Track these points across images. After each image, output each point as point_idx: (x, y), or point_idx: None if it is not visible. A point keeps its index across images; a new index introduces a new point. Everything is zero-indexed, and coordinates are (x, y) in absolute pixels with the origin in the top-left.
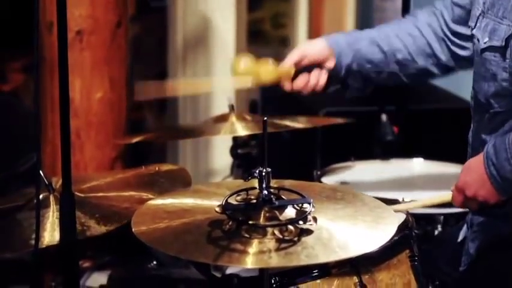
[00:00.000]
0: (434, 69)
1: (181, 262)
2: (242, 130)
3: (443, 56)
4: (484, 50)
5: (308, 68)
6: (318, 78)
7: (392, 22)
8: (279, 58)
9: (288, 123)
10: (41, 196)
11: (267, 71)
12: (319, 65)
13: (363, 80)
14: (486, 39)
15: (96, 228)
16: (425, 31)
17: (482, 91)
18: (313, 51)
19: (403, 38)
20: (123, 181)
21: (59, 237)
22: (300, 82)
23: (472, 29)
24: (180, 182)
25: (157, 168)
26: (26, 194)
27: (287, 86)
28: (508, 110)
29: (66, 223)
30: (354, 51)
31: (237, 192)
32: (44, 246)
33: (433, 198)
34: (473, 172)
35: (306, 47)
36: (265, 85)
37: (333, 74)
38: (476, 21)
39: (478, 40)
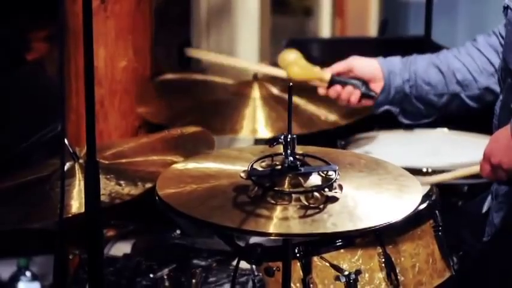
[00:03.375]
0: (498, 88)
1: (204, 231)
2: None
3: None
4: None
5: (343, 82)
6: (350, 96)
7: (451, 48)
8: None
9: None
10: (66, 165)
11: (300, 70)
12: (360, 82)
13: (423, 104)
14: None
15: (122, 194)
16: (485, 50)
17: None
18: (361, 68)
19: (462, 58)
20: (148, 146)
21: (84, 205)
22: (332, 93)
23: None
24: (203, 144)
25: (180, 132)
26: (52, 164)
27: (321, 90)
28: None
29: (91, 192)
30: (409, 73)
31: (263, 158)
32: (71, 215)
33: (462, 170)
34: (499, 141)
35: (355, 61)
36: (298, 81)
37: (381, 95)
38: None
39: (510, 9)
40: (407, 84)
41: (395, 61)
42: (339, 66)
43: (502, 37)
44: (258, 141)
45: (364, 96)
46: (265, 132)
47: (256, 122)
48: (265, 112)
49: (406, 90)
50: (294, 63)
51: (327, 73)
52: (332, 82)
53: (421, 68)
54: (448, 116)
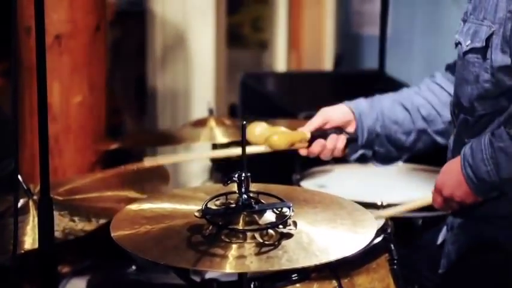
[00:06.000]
0: None
1: (160, 267)
2: (221, 137)
3: None
4: (466, 53)
5: (324, 134)
6: (336, 143)
7: (411, 87)
8: (296, 124)
9: None
10: (20, 202)
11: (281, 137)
12: (340, 129)
13: (392, 145)
14: (468, 42)
15: (76, 230)
16: (445, 84)
17: (465, 95)
18: (335, 115)
19: (424, 94)
20: (103, 182)
21: (38, 242)
22: (316, 148)
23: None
24: (159, 179)
25: (136, 167)
26: (5, 201)
27: (303, 151)
28: (492, 112)
29: (44, 228)
30: (376, 113)
31: (217, 197)
32: (24, 251)
33: (414, 202)
34: (450, 173)
35: (328, 112)
36: (279, 150)
37: (355, 138)
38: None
39: (460, 44)
40: (377, 123)
41: (362, 102)
42: (314, 123)
43: None
44: (215, 146)
45: (348, 141)
46: (222, 139)
47: (214, 132)
48: (223, 128)
49: (378, 129)
50: (269, 135)
51: (306, 132)
52: (314, 138)
53: (386, 107)
54: (417, 155)
